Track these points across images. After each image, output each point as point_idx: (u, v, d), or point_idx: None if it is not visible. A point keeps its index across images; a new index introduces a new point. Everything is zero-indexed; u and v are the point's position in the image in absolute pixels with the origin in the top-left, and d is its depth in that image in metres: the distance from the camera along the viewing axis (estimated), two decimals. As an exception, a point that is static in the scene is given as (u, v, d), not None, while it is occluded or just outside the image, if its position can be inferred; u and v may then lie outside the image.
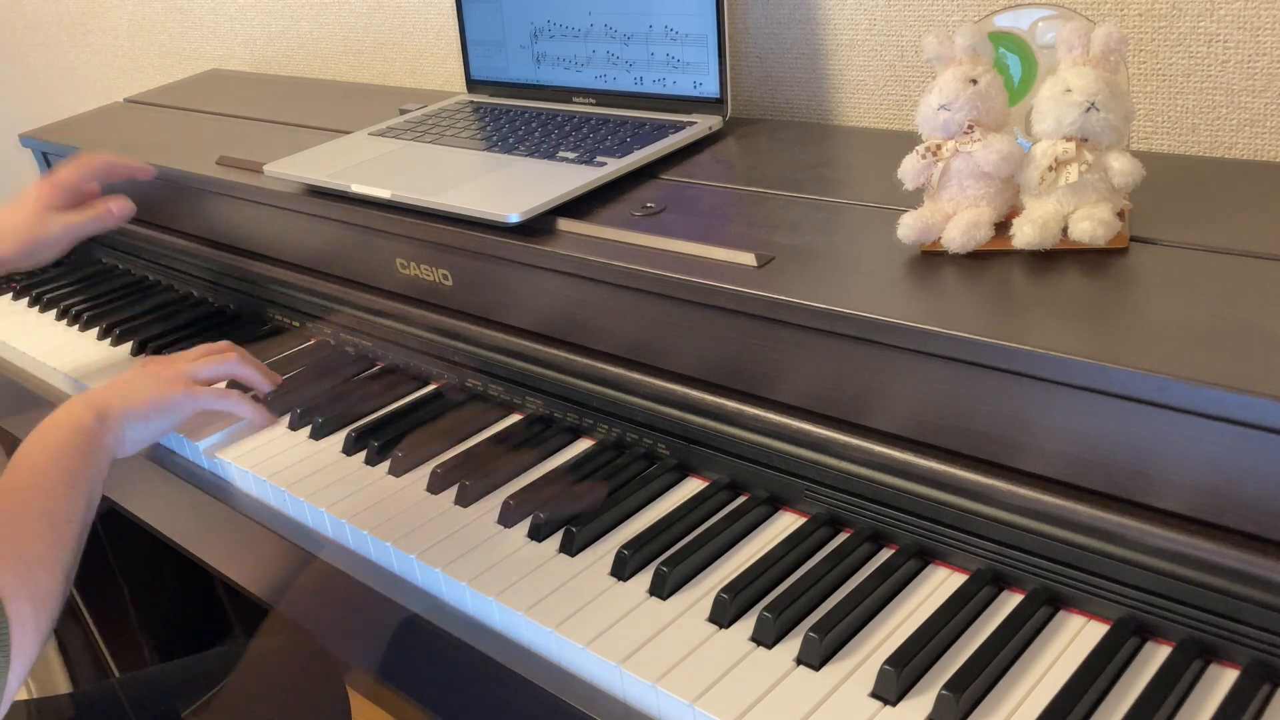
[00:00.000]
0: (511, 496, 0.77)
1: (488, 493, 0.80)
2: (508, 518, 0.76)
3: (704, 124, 1.00)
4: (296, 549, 0.82)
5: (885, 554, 0.69)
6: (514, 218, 0.85)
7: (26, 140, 1.39)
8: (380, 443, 0.86)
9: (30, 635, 0.67)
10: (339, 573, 0.78)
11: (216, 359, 0.94)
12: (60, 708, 1.01)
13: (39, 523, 0.72)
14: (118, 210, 1.08)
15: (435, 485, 0.81)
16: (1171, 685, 0.55)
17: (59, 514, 0.74)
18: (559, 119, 1.06)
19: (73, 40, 2.14)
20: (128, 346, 1.13)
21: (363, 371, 1.01)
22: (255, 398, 0.96)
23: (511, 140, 1.02)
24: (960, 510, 0.65)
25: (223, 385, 0.97)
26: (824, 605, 0.65)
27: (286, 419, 0.94)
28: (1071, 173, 0.67)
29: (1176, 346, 0.57)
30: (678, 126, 0.99)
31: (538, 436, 0.86)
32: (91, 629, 1.44)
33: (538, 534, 0.74)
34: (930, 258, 0.72)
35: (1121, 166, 0.67)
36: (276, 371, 0.99)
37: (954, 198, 0.72)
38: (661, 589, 0.67)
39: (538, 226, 0.86)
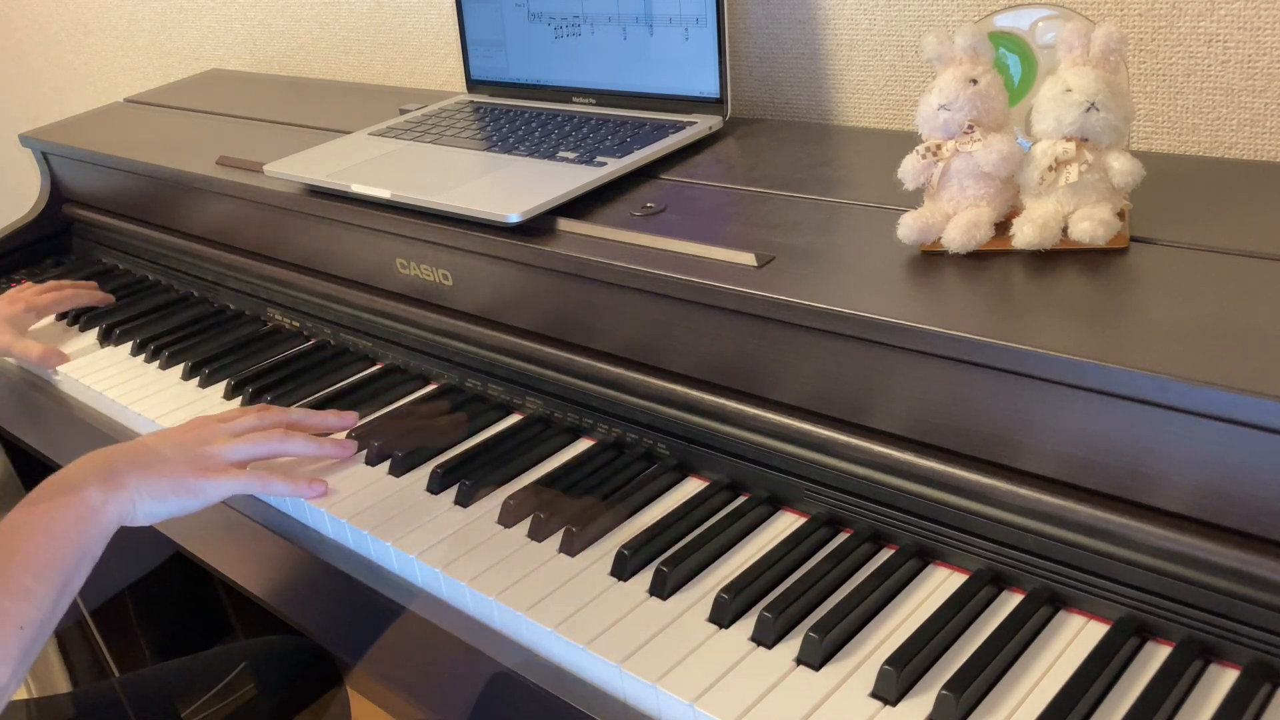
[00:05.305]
0: (511, 496, 0.77)
1: (488, 493, 0.80)
2: (508, 518, 0.76)
3: (704, 124, 1.00)
4: (296, 549, 0.82)
5: (885, 554, 0.69)
6: (514, 218, 0.85)
7: (26, 140, 1.39)
8: (380, 443, 0.86)
9: None
10: (339, 572, 0.78)
11: (261, 438, 0.83)
12: (60, 708, 1.01)
13: None
14: (53, 362, 1.12)
15: (435, 486, 0.81)
16: (1171, 685, 0.55)
17: (18, 616, 0.66)
18: (559, 119, 1.06)
19: (73, 40, 2.14)
20: (127, 347, 1.13)
21: (362, 372, 1.01)
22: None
23: (511, 140, 1.02)
24: (960, 510, 0.65)
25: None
26: (824, 605, 0.65)
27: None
28: (1071, 173, 0.67)
29: (1176, 346, 0.57)
30: (678, 126, 0.99)
31: (538, 436, 0.86)
32: (91, 629, 1.43)
33: (538, 533, 0.74)
34: (930, 258, 0.72)
35: (1121, 166, 0.67)
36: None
37: (954, 198, 0.72)
38: (662, 589, 0.67)
39: (538, 226, 0.86)
